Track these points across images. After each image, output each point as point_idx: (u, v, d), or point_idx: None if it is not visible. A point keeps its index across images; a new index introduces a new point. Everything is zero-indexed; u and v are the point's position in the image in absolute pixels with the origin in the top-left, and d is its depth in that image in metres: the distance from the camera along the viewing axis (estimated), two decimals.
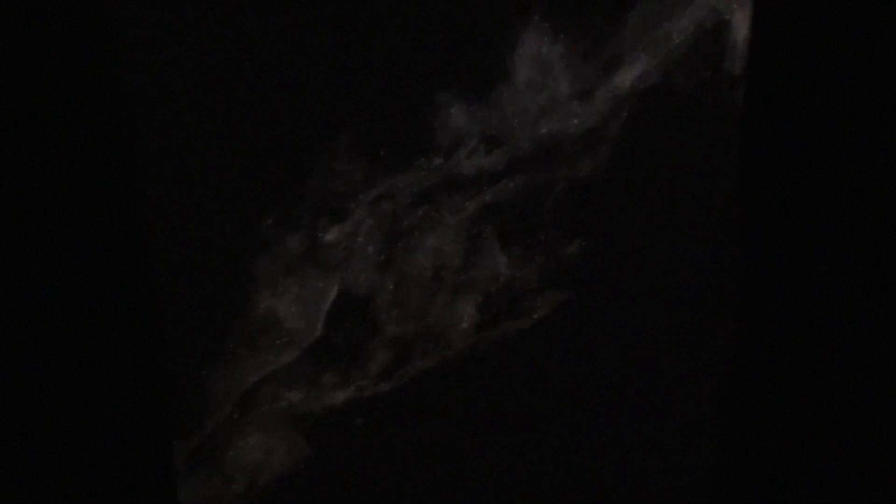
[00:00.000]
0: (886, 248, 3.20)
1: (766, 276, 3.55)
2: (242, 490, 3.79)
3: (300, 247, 3.58)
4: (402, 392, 3.80)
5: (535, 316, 3.76)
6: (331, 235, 3.58)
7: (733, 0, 3.44)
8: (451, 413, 3.85)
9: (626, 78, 3.49)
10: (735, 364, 3.69)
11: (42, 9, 2.88)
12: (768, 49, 3.40)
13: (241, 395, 3.72)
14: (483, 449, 3.87)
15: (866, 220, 3.22)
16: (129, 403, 3.23)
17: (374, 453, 3.85)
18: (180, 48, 3.27)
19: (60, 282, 3.10)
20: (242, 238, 3.51)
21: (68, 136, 3.03)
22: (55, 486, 3.16)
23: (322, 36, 3.34)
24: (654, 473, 3.91)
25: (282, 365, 3.72)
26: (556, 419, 3.86)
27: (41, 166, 3.00)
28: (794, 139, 3.38)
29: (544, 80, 3.47)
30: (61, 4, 2.90)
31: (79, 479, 3.19)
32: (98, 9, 2.94)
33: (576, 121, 3.53)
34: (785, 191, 3.45)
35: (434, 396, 3.82)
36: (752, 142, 3.50)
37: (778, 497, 3.52)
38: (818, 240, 3.35)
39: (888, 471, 3.30)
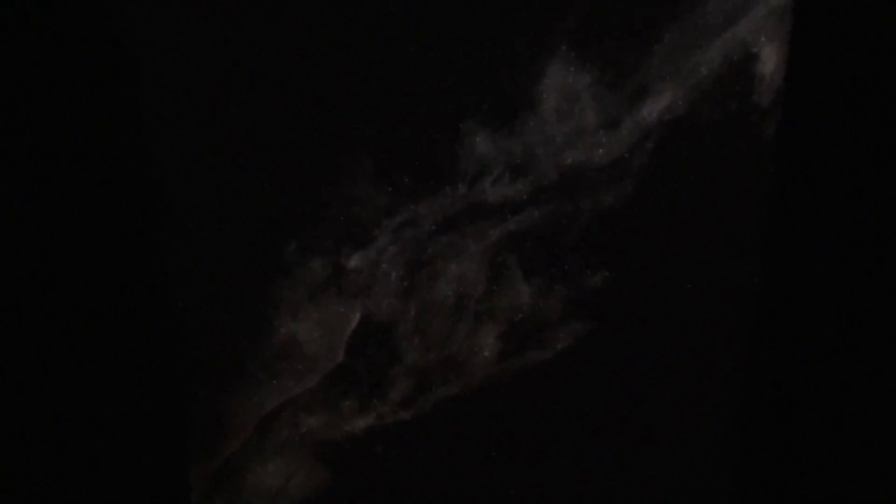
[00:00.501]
0: None
1: (790, 309, 3.49)
2: None
3: (323, 272, 3.55)
4: (423, 420, 3.75)
5: (558, 347, 3.70)
6: (354, 262, 3.55)
7: (762, 33, 3.38)
8: (472, 443, 3.79)
9: (652, 109, 3.44)
10: (757, 402, 3.62)
11: (64, 18, 2.88)
12: (802, 84, 3.35)
13: (261, 420, 3.68)
14: (503, 479, 3.81)
15: (891, 266, 3.16)
16: (147, 426, 3.21)
17: (393, 482, 3.80)
18: (202, 71, 3.26)
19: (81, 305, 3.09)
20: (265, 262, 3.48)
21: (92, 167, 3.03)
22: None
23: (349, 61, 3.32)
24: None
25: (302, 391, 3.68)
26: (578, 451, 3.80)
27: (65, 196, 3.00)
28: (824, 174, 3.33)
29: (570, 109, 3.43)
30: (87, 15, 2.90)
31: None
32: (117, 31, 2.93)
33: (601, 151, 3.48)
34: (811, 225, 3.39)
35: (455, 425, 3.77)
36: (781, 177, 3.45)
37: None
38: (845, 284, 3.29)
39: None
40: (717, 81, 3.43)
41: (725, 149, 3.48)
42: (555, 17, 3.32)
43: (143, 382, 3.12)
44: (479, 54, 3.35)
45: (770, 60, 3.40)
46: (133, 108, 2.97)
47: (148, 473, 3.17)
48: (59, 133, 2.95)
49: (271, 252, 3.47)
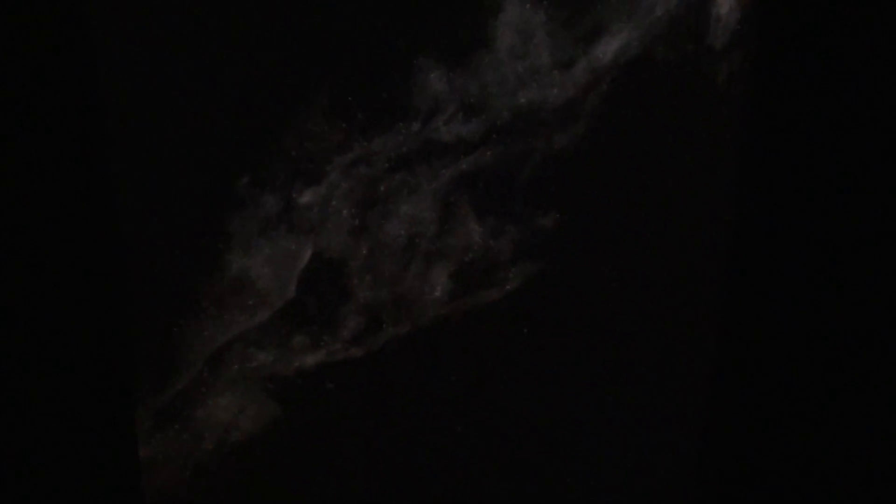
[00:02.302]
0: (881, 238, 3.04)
1: (747, 250, 3.39)
2: (212, 448, 3.65)
3: (274, 208, 3.42)
4: (373, 358, 3.65)
5: (508, 287, 3.60)
6: (305, 198, 3.42)
7: None
8: (422, 381, 3.70)
9: (607, 49, 3.32)
10: (718, 338, 3.53)
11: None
12: (760, 26, 3.23)
13: (212, 354, 3.57)
14: (452, 415, 3.73)
15: (861, 204, 3.06)
16: (92, 359, 3.08)
17: (344, 418, 3.71)
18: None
19: (26, 235, 2.94)
20: (216, 196, 3.35)
21: (36, 86, 2.87)
22: (17, 437, 3.02)
23: None
24: (628, 446, 3.77)
25: (253, 326, 3.57)
26: (527, 387, 3.72)
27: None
28: (791, 118, 3.21)
29: (525, 48, 3.30)
30: None
31: (40, 435, 3.05)
32: None
33: (555, 91, 3.36)
34: (769, 168, 3.28)
35: (405, 364, 3.68)
36: (745, 119, 3.33)
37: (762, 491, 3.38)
38: (804, 216, 3.19)
39: (879, 471, 3.15)
40: (672, 22, 3.31)
41: (680, 91, 3.37)
42: None
43: (87, 317, 2.98)
44: None
45: (725, 2, 3.28)
46: (80, 33, 2.81)
47: (93, 407, 3.05)
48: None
49: (223, 186, 3.34)
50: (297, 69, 3.27)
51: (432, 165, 3.44)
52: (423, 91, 3.33)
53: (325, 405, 3.66)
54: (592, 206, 3.51)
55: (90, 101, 3.00)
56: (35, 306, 2.94)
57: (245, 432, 3.64)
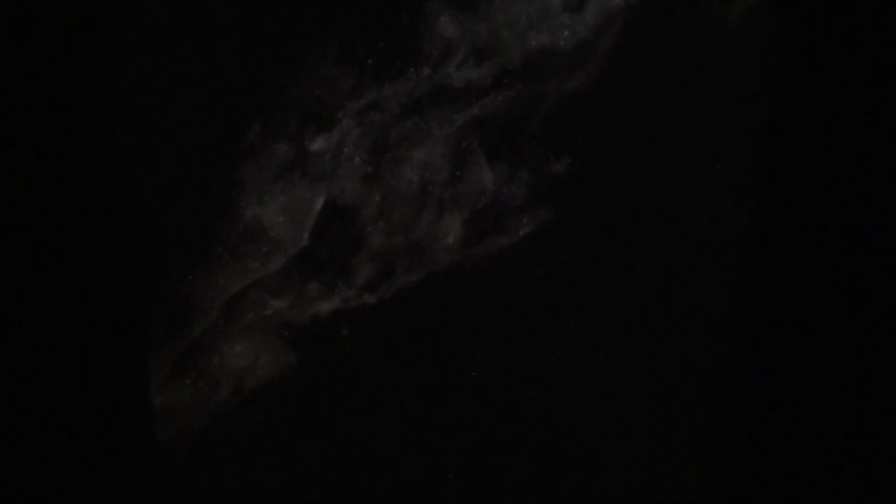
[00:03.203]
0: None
1: (758, 209, 3.35)
2: (228, 395, 3.63)
3: (286, 155, 3.38)
4: (387, 305, 3.63)
5: (521, 233, 3.56)
6: (317, 144, 3.38)
7: None
8: (436, 327, 3.68)
9: None
10: (730, 298, 3.50)
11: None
12: None
13: (227, 301, 3.55)
14: (466, 363, 3.71)
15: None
16: (103, 307, 3.06)
17: (358, 364, 3.69)
18: None
19: (35, 192, 2.92)
20: (228, 144, 3.31)
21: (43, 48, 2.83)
22: (28, 392, 3.01)
23: None
24: (639, 402, 3.74)
25: (267, 273, 3.54)
26: (539, 336, 3.69)
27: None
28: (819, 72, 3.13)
29: None
30: None
31: (51, 383, 3.04)
32: None
33: (566, 33, 3.30)
34: (783, 120, 3.22)
35: (419, 310, 3.65)
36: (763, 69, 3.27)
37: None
38: (816, 178, 3.13)
39: (888, 473, 3.10)
40: None
41: (692, 31, 3.30)
42: None
43: (99, 267, 2.96)
44: None
45: None
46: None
47: (104, 360, 3.02)
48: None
49: (234, 134, 3.30)
50: (305, 15, 3.22)
51: (444, 111, 3.39)
52: (433, 35, 3.27)
53: (340, 352, 3.63)
54: (605, 150, 3.46)
55: (97, 50, 2.96)
56: (45, 253, 2.92)
57: (260, 379, 3.62)
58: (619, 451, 3.75)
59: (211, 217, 3.40)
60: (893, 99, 2.90)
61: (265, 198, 3.43)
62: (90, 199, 2.99)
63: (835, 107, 3.00)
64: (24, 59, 2.75)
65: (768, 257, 3.26)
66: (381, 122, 3.39)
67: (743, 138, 3.36)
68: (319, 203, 3.47)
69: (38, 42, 2.75)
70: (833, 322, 3.11)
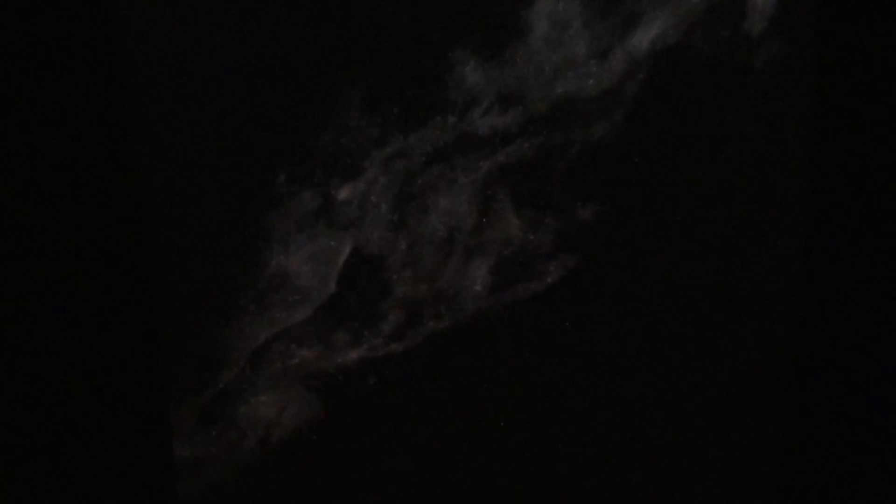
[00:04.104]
0: None
1: (791, 257, 3.29)
2: (254, 445, 3.59)
3: (313, 204, 3.36)
4: (415, 353, 3.59)
5: (549, 279, 3.52)
6: (343, 193, 3.36)
7: None
8: (464, 375, 3.63)
9: (643, 38, 3.23)
10: (765, 345, 3.43)
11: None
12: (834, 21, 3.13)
13: (253, 351, 3.52)
14: (494, 411, 3.65)
15: None
16: (126, 358, 3.04)
17: (386, 413, 3.64)
18: (188, 3, 3.07)
19: (65, 240, 2.91)
20: (254, 193, 3.30)
21: (65, 92, 2.83)
22: (50, 436, 2.98)
23: None
24: (660, 437, 3.68)
25: (294, 322, 3.51)
26: (569, 383, 3.63)
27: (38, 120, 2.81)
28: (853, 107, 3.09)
29: (560, 38, 3.22)
30: None
31: (73, 435, 3.00)
32: None
33: (592, 81, 3.28)
34: (829, 157, 3.16)
35: (446, 358, 3.61)
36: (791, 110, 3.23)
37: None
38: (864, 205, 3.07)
39: None
40: (708, 10, 3.22)
41: (717, 78, 3.27)
42: None
43: (125, 319, 2.94)
44: None
45: None
46: (114, 37, 2.77)
47: (125, 410, 3.00)
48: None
49: (261, 183, 3.29)
50: (331, 64, 3.21)
51: (469, 158, 3.37)
52: (458, 84, 3.26)
53: (367, 401, 3.59)
54: (631, 196, 3.42)
55: (125, 102, 2.96)
56: (72, 305, 2.90)
57: (287, 430, 3.58)
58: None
59: (237, 266, 3.38)
60: None
61: (291, 247, 3.41)
62: (116, 250, 2.97)
63: (867, 153, 2.96)
64: (53, 112, 2.75)
65: (810, 311, 3.20)
66: (406, 171, 3.37)
67: (772, 185, 3.32)
68: (346, 251, 3.45)
69: (67, 95, 2.75)
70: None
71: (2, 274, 2.88)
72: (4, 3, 2.64)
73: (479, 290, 3.53)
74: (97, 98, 2.89)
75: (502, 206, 3.44)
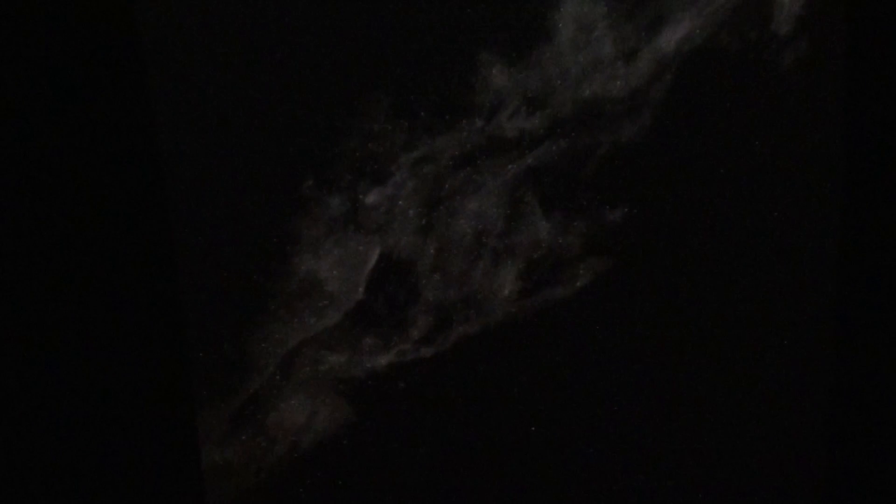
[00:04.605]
0: None
1: (823, 253, 3.26)
2: (285, 451, 3.59)
3: (341, 209, 3.37)
4: (444, 357, 3.57)
5: (578, 284, 3.50)
6: (371, 198, 3.37)
7: None
8: (493, 379, 3.61)
9: (670, 39, 3.22)
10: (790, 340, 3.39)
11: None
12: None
13: (284, 357, 3.52)
14: (524, 415, 3.63)
15: None
16: (153, 368, 3.04)
17: (416, 417, 3.63)
18: (215, 7, 3.08)
19: (93, 247, 2.92)
20: (282, 198, 3.31)
21: (91, 98, 2.85)
22: (78, 440, 2.98)
23: None
24: (687, 438, 3.64)
25: (323, 328, 3.51)
26: (599, 388, 3.61)
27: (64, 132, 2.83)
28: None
29: (587, 40, 3.21)
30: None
31: (99, 443, 3.01)
32: None
33: (619, 83, 3.26)
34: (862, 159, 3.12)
35: (476, 363, 3.59)
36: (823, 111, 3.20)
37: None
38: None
39: None
40: (735, 10, 3.20)
41: (744, 79, 3.25)
42: None
43: (152, 324, 2.94)
44: None
45: None
46: (139, 44, 2.78)
47: (152, 418, 2.99)
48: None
49: (289, 188, 3.29)
50: (359, 69, 3.22)
51: (497, 161, 3.36)
52: (485, 87, 3.26)
53: (398, 406, 3.58)
54: (660, 198, 3.40)
55: (152, 109, 2.97)
56: (99, 312, 2.91)
57: (317, 434, 3.58)
58: None
59: (266, 272, 3.39)
60: None
61: (320, 252, 3.41)
62: (144, 255, 2.98)
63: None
64: (76, 115, 2.76)
65: (846, 310, 3.15)
66: (434, 175, 3.37)
67: (803, 186, 3.28)
68: (374, 256, 3.45)
69: (92, 102, 2.76)
70: None
71: (31, 281, 2.90)
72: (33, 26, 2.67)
73: (508, 294, 3.52)
74: (123, 106, 2.91)
75: (530, 209, 3.43)
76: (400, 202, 3.39)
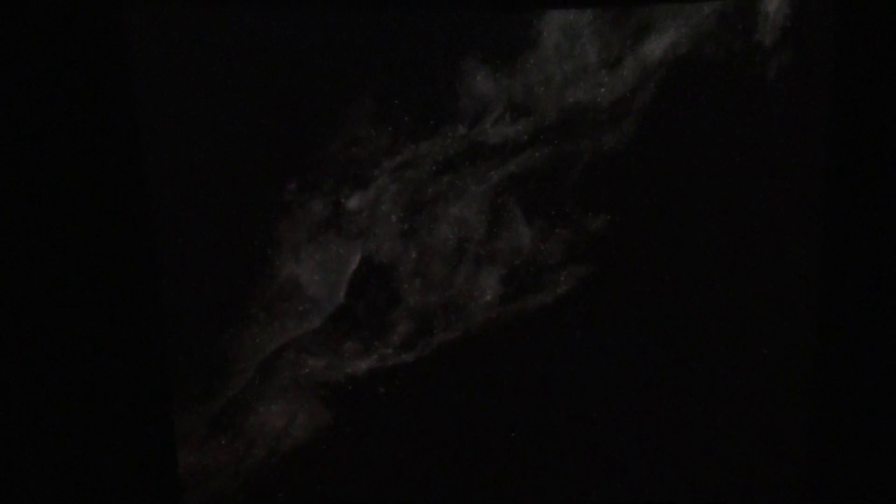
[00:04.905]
0: None
1: (806, 262, 3.26)
2: (264, 455, 3.57)
3: (322, 213, 3.35)
4: (425, 363, 3.56)
5: (559, 290, 3.50)
6: (353, 202, 3.35)
7: None
8: (475, 385, 3.61)
9: (655, 48, 3.21)
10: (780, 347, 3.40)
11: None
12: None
13: (263, 361, 3.50)
14: (505, 421, 3.62)
15: None
16: (132, 368, 3.02)
17: (396, 423, 3.62)
18: (196, 8, 3.06)
19: (72, 248, 2.90)
20: (263, 202, 3.29)
21: (72, 92, 2.83)
22: (56, 445, 2.96)
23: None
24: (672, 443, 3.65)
25: (304, 332, 3.49)
26: (580, 393, 3.61)
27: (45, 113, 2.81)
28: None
29: (571, 47, 3.21)
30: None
31: (77, 445, 2.99)
32: None
33: (602, 90, 3.26)
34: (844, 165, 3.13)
35: (457, 368, 3.58)
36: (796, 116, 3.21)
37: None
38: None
39: None
40: (720, 19, 3.20)
41: (729, 88, 3.25)
42: None
43: (131, 326, 2.92)
44: None
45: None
46: (122, 46, 2.76)
47: (130, 421, 2.98)
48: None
49: (270, 192, 3.27)
50: (341, 74, 3.20)
51: (480, 168, 3.35)
52: (469, 93, 3.25)
53: (377, 411, 3.57)
54: (643, 206, 3.40)
55: (133, 110, 2.95)
56: (79, 313, 2.89)
57: (296, 440, 3.56)
58: None
59: (246, 275, 3.37)
60: None
61: (301, 256, 3.39)
62: (124, 257, 2.96)
63: (885, 162, 2.93)
64: (57, 112, 2.74)
65: (828, 321, 3.17)
66: (417, 180, 3.36)
67: (786, 195, 3.29)
68: (356, 261, 3.43)
69: (73, 103, 2.74)
70: None
71: (10, 282, 2.88)
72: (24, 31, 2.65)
73: (490, 300, 3.51)
74: (106, 106, 2.89)
75: (513, 215, 3.42)
76: (382, 207, 3.37)
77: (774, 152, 3.29)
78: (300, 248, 3.38)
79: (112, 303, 2.94)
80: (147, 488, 3.11)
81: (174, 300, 3.28)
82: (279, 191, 3.28)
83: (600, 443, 3.62)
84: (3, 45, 2.67)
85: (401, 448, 3.61)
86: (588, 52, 3.22)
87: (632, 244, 3.43)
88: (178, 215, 3.22)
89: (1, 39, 2.67)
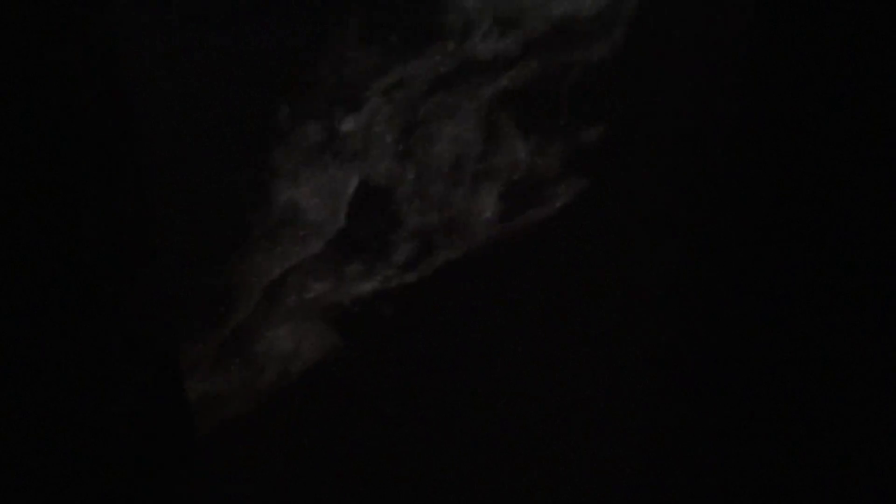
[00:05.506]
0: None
1: (784, 164, 3.23)
2: (274, 379, 3.63)
3: (317, 137, 3.36)
4: (428, 283, 3.59)
5: (558, 203, 3.50)
6: (347, 125, 3.36)
7: None
8: (478, 302, 3.63)
9: None
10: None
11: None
12: None
13: (267, 286, 3.54)
14: (508, 338, 3.65)
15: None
16: (134, 299, 3.07)
17: (402, 343, 3.65)
18: None
19: (72, 182, 2.93)
20: (257, 128, 3.31)
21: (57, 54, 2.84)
22: (66, 375, 3.03)
23: None
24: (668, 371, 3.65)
25: (306, 256, 3.53)
26: (583, 306, 3.61)
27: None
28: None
29: None
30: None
31: (83, 386, 3.05)
32: None
33: (589, 1, 3.22)
34: (794, 77, 3.09)
35: (460, 286, 3.60)
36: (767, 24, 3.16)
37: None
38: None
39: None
40: None
41: None
42: None
43: (132, 259, 2.96)
44: None
45: None
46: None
47: (136, 354, 3.03)
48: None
49: (262, 117, 3.29)
50: None
51: (471, 84, 3.34)
52: (455, 8, 3.22)
53: (383, 332, 3.61)
54: (636, 114, 3.37)
55: (117, 38, 2.97)
56: (76, 244, 2.94)
57: (305, 362, 3.61)
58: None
59: (245, 202, 3.40)
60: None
61: (298, 181, 3.41)
62: (122, 190, 3.00)
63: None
64: (37, 63, 2.76)
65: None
66: (409, 99, 3.35)
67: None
68: (353, 184, 3.45)
69: (59, 49, 2.76)
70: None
71: (14, 208, 2.92)
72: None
73: (490, 217, 3.52)
74: (95, 41, 2.90)
75: (508, 131, 3.41)
76: (376, 129, 3.38)
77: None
78: (297, 173, 3.40)
79: (113, 240, 2.99)
80: (158, 414, 3.18)
81: (175, 232, 3.32)
82: (271, 116, 3.30)
83: (598, 356, 3.64)
84: None
85: (408, 368, 3.65)
86: None
87: (628, 154, 3.41)
88: (172, 146, 3.25)
89: None
